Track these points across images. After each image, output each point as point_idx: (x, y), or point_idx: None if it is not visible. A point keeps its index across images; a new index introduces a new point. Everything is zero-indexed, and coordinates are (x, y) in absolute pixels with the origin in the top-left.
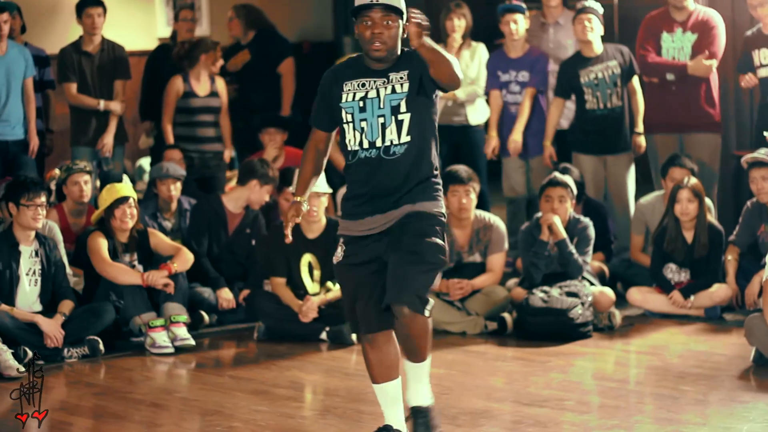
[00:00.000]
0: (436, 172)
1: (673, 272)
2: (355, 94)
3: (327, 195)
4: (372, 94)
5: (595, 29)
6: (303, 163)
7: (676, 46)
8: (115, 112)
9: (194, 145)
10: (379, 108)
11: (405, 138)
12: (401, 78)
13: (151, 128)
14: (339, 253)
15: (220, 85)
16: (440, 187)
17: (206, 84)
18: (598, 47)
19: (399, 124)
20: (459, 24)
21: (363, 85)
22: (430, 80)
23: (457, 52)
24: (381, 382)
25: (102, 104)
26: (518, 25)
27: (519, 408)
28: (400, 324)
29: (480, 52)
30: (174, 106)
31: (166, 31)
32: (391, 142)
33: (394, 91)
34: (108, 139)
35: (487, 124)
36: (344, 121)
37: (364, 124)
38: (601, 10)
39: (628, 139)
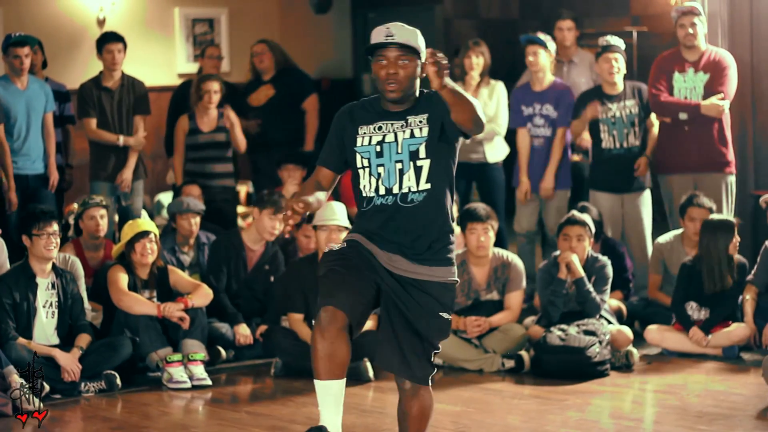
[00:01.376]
0: (452, 225)
1: (693, 310)
2: (371, 138)
3: (346, 230)
4: (389, 138)
5: (621, 69)
6: (302, 188)
7: (688, 86)
8: (134, 147)
9: (202, 180)
10: (397, 153)
11: (424, 185)
12: (420, 122)
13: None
14: (336, 246)
15: (232, 116)
16: (454, 244)
17: (213, 120)
18: (620, 86)
19: (418, 171)
20: (477, 62)
21: (380, 128)
22: (452, 125)
23: (475, 90)
24: (325, 379)
25: (121, 140)
26: (539, 57)
27: None
28: (401, 395)
29: (499, 90)
30: (182, 144)
31: (185, 67)
32: (409, 189)
33: (413, 135)
34: (127, 175)
35: (505, 162)
36: (359, 166)
37: (381, 169)
38: (623, 47)
39: (644, 178)
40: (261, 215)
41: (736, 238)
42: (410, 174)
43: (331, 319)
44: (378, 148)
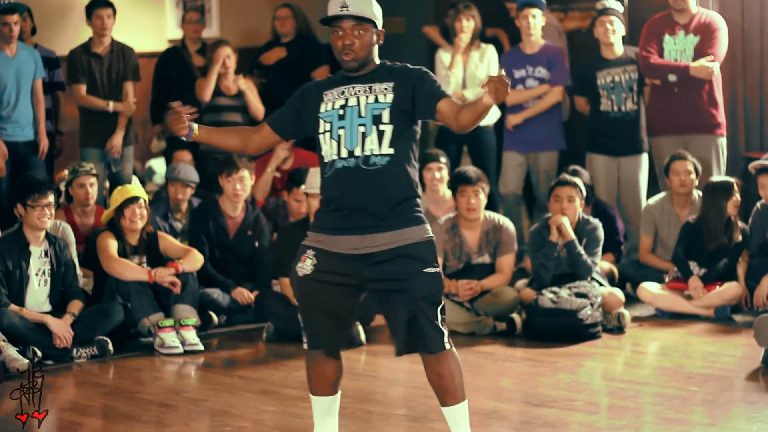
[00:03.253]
0: (418, 191)
1: (693, 269)
2: (334, 102)
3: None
4: (352, 101)
5: (617, 31)
6: (230, 132)
7: (678, 48)
8: (124, 113)
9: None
10: (360, 116)
11: (387, 149)
12: (385, 89)
13: (162, 131)
14: (307, 266)
15: (245, 86)
16: (421, 208)
17: (234, 85)
18: (618, 49)
19: (380, 135)
20: (468, 25)
21: (342, 93)
22: (428, 109)
23: (465, 52)
24: (318, 395)
25: (111, 105)
26: (536, 19)
27: (528, 408)
28: (426, 365)
29: (489, 53)
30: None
31: (175, 33)
32: (371, 151)
33: (377, 100)
34: (117, 141)
35: (496, 125)
36: (321, 131)
37: (341, 131)
38: (621, 10)
39: (642, 142)
40: (222, 180)
41: (736, 198)
42: (373, 137)
43: (318, 357)
44: (341, 112)
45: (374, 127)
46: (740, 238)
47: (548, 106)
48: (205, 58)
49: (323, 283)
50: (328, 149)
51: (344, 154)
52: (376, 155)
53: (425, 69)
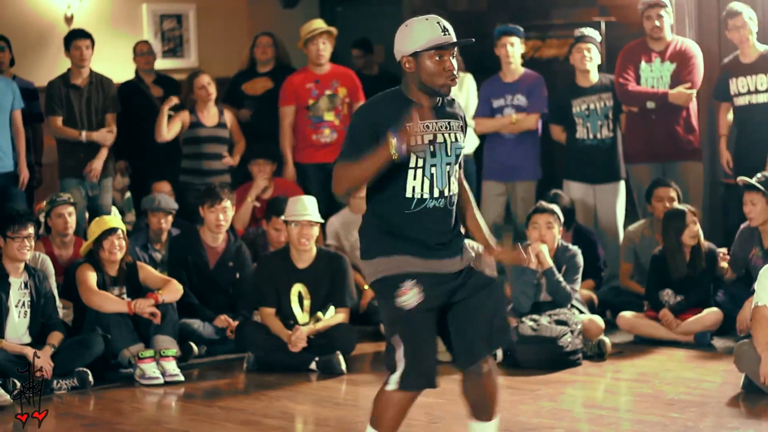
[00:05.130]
0: None
1: (669, 296)
2: (423, 136)
3: (318, 225)
4: (440, 138)
5: (593, 58)
6: (343, 168)
7: (655, 75)
8: (99, 141)
9: (200, 179)
10: (447, 155)
11: (455, 189)
12: (459, 127)
13: (126, 167)
14: (412, 297)
15: (229, 118)
16: None
17: (214, 115)
18: (594, 76)
19: (455, 174)
20: None
21: (428, 126)
22: None
23: None
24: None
25: (83, 135)
26: (515, 47)
27: None
28: (476, 380)
29: (467, 82)
30: (174, 134)
31: (155, 63)
32: (452, 192)
33: (457, 139)
34: (97, 165)
35: (476, 154)
36: (412, 165)
37: (434, 170)
38: (599, 39)
39: (619, 169)
40: (203, 211)
41: (692, 227)
42: (454, 178)
43: (412, 396)
44: (432, 148)
45: (456, 167)
46: (704, 265)
47: (521, 130)
48: (162, 89)
49: (428, 312)
50: (418, 186)
51: (436, 194)
52: (453, 195)
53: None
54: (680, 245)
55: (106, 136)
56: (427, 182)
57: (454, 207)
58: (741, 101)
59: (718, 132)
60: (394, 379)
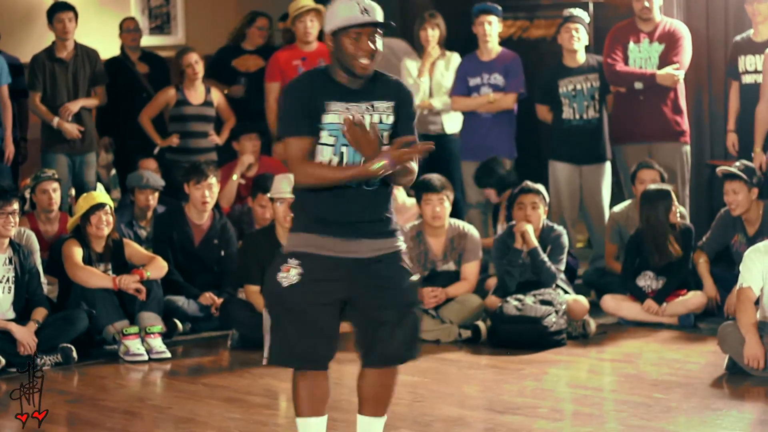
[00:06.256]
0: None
1: (650, 279)
2: (339, 115)
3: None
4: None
5: (581, 39)
6: (313, 167)
7: (643, 56)
8: (68, 133)
9: (186, 156)
10: None
11: None
12: (387, 108)
13: (110, 143)
14: (292, 275)
15: (216, 96)
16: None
17: (201, 93)
18: (581, 57)
19: None
20: (433, 34)
21: (347, 108)
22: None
23: (432, 63)
24: (307, 416)
25: (55, 121)
26: (492, 26)
27: (492, 416)
28: (375, 377)
29: (454, 61)
30: (157, 106)
31: (143, 40)
32: None
33: (381, 121)
34: (72, 106)
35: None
36: (323, 142)
37: (344, 149)
38: (587, 19)
39: (605, 150)
40: (189, 188)
41: (676, 206)
42: None
43: (309, 374)
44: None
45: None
46: (681, 245)
47: (499, 109)
48: (148, 66)
49: (312, 294)
50: (328, 163)
51: None
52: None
53: (412, 94)
54: (664, 225)
55: (90, 101)
56: (335, 160)
57: (378, 190)
58: (747, 79)
59: (728, 111)
60: (264, 353)
